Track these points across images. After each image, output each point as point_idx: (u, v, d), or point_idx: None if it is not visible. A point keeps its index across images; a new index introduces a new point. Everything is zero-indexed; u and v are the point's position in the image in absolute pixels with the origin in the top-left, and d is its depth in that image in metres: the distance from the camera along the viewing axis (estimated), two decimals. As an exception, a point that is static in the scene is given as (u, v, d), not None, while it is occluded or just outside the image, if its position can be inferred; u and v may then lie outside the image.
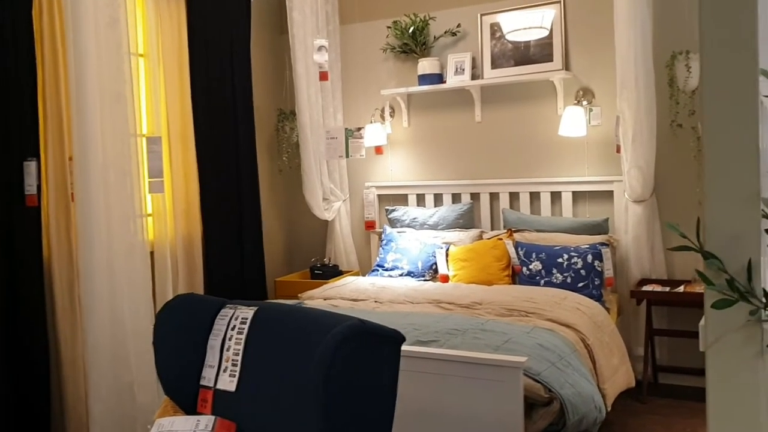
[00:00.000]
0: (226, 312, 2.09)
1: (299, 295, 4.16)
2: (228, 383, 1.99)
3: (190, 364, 2.10)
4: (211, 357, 2.06)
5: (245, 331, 2.00)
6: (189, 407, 2.06)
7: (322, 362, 1.60)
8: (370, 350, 1.66)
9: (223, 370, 2.02)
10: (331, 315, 1.79)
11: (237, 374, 1.97)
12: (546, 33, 4.34)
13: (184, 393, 2.08)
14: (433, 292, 3.87)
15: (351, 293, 4.00)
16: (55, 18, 3.47)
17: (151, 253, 4.15)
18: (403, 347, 2.74)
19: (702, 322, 1.41)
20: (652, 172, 4.03)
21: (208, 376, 2.05)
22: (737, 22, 1.14)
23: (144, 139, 3.93)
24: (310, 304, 3.85)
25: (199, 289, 4.41)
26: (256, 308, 2.02)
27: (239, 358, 1.98)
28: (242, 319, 2.02)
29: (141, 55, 4.16)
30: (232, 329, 2.03)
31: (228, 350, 2.02)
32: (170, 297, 4.19)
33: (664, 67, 3.98)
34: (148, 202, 4.09)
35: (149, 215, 4.14)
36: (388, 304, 3.77)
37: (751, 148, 1.18)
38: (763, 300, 1.25)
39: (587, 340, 3.25)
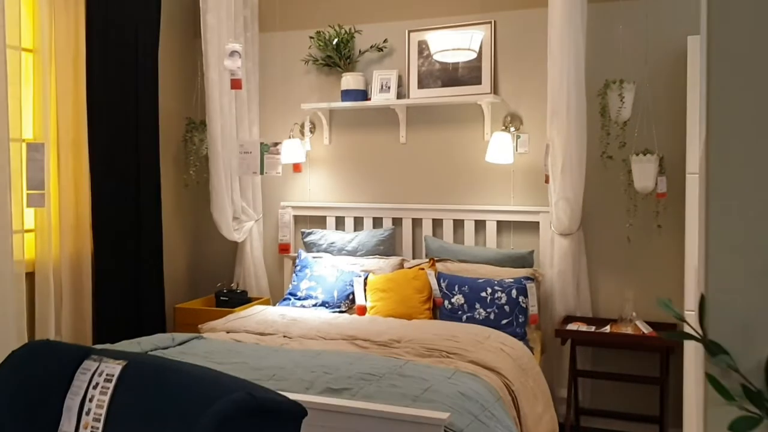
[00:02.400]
0: (89, 365, 1.70)
1: (200, 326, 3.75)
2: (85, 456, 1.60)
3: (42, 428, 1.69)
4: (67, 421, 1.67)
5: (110, 392, 1.62)
6: (35, 485, 1.65)
7: (198, 447, 1.25)
8: (261, 431, 1.32)
9: (80, 439, 1.62)
10: (218, 379, 1.44)
11: (97, 446, 1.59)
12: (474, 55, 4.15)
13: (31, 466, 1.67)
14: (349, 327, 3.55)
15: (258, 326, 3.63)
16: None
17: (31, 274, 3.68)
18: (311, 398, 2.41)
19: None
20: (580, 205, 3.86)
21: (61, 446, 1.65)
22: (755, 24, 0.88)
23: (24, 145, 3.45)
24: (210, 337, 3.46)
25: (87, 316, 3.94)
26: (125, 363, 1.64)
27: (101, 425, 1.60)
28: (107, 375, 1.64)
29: (29, 50, 3.69)
30: (95, 388, 1.64)
31: (88, 414, 1.64)
32: (52, 324, 3.73)
33: (596, 96, 3.83)
34: (28, 216, 3.62)
35: (29, 231, 3.65)
36: (299, 339, 3.42)
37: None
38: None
39: (511, 386, 3.00)
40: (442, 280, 3.88)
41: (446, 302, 3.81)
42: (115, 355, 1.71)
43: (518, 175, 4.19)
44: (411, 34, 4.42)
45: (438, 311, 3.85)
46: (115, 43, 4.08)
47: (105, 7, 3.99)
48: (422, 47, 4.37)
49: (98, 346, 2.95)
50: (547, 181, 3.86)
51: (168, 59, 4.62)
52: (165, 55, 4.51)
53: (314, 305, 4.05)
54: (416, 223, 4.41)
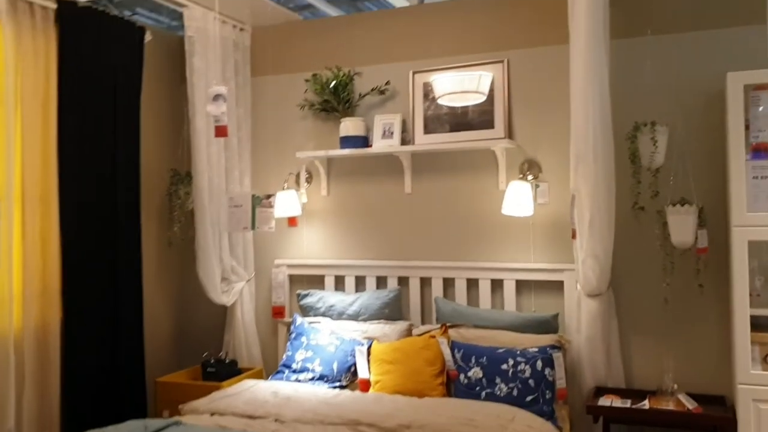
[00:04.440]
0: None
1: (180, 407, 3.28)
2: None
3: None
4: None
5: None
6: None
7: None
8: None
9: None
10: None
11: None
12: (483, 98, 3.77)
13: None
14: (351, 408, 3.08)
15: (246, 407, 3.15)
16: None
17: (-12, 348, 3.23)
18: None
19: None
20: (610, 262, 3.42)
21: None
22: None
23: (-22, 204, 3.04)
24: (191, 423, 2.98)
25: (54, 396, 3.49)
26: None
27: None
28: None
29: (-10, 97, 3.32)
30: None
31: None
32: (12, 408, 3.28)
33: (624, 140, 3.44)
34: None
35: (-15, 300, 3.22)
36: (293, 425, 2.95)
37: None
38: None
39: (545, 485, 2.53)
40: (456, 350, 3.42)
41: (462, 376, 3.35)
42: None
43: (538, 228, 3.77)
44: (415, 75, 4.06)
45: (453, 386, 3.38)
46: (92, 88, 3.71)
47: (80, 48, 3.63)
48: (428, 89, 3.99)
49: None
50: (574, 236, 3.43)
51: (152, 106, 4.25)
52: (148, 102, 4.14)
53: (311, 379, 3.58)
54: (425, 282, 3.97)
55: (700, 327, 3.44)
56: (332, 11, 4.82)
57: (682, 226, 3.29)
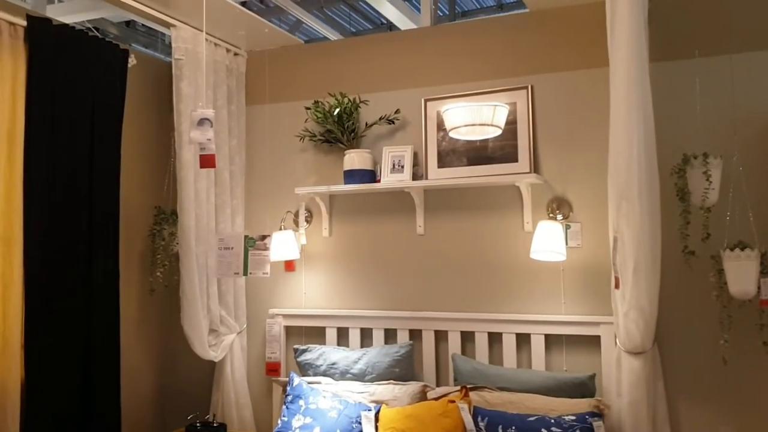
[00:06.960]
0: None
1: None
2: None
3: None
4: None
5: None
6: None
7: None
8: None
9: None
10: None
11: None
12: (498, 132, 3.35)
13: None
14: (356, 492, 2.59)
15: (232, 489, 2.67)
16: None
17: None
18: None
19: None
20: (656, 315, 2.96)
21: None
22: None
23: None
24: None
25: (9, 469, 2.97)
26: None
27: None
28: None
29: (-55, 124, 2.90)
30: None
31: None
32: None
33: (669, 175, 3.01)
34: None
35: (-72, 361, 2.76)
36: None
37: None
38: None
39: None
40: (479, 418, 2.93)
41: (487, 450, 2.86)
42: None
43: (570, 275, 3.31)
44: (428, 103, 3.65)
45: (476, 461, 2.89)
46: (66, 115, 3.29)
47: (53, 71, 3.22)
48: (441, 118, 3.58)
49: None
50: (617, 285, 2.96)
51: (135, 137, 3.84)
52: (131, 132, 3.74)
53: (310, 451, 3.09)
54: (440, 336, 3.51)
55: (764, 391, 2.96)
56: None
57: (743, 274, 2.84)
